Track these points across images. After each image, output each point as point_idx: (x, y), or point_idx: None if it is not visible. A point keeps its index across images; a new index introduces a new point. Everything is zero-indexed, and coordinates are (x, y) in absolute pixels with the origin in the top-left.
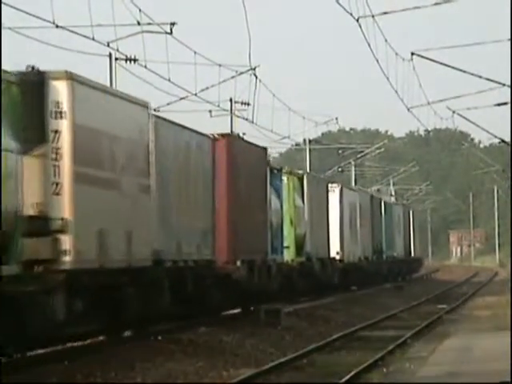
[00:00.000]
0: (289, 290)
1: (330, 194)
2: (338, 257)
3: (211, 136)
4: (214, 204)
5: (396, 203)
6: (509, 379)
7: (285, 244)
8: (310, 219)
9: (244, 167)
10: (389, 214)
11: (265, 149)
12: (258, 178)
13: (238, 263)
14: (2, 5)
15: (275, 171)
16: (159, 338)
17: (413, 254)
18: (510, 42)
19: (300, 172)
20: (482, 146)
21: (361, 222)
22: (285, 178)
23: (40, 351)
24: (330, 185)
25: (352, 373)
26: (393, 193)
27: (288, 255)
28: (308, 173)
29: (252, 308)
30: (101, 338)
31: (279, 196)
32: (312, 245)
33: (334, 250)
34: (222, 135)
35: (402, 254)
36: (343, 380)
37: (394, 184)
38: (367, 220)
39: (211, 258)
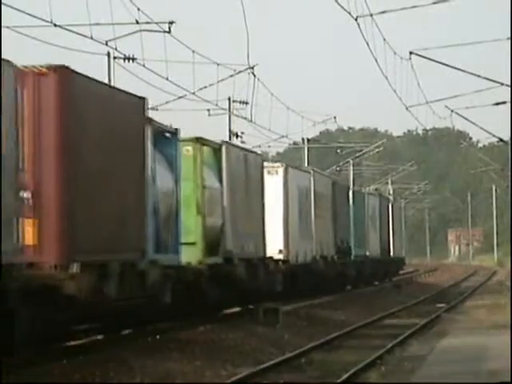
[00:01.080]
0: (188, 306)
1: (270, 177)
2: (280, 256)
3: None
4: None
5: (371, 193)
6: (508, 379)
7: (187, 239)
8: (232, 206)
9: (96, 118)
10: (359, 205)
11: (142, 99)
12: (128, 139)
13: (75, 268)
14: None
15: (168, 135)
16: (157, 337)
17: (392, 253)
18: (509, 42)
19: (217, 142)
20: (480, 145)
21: (317, 213)
22: (189, 148)
23: (38, 350)
24: (267, 164)
25: (350, 372)
26: (391, 192)
27: (192, 255)
28: (230, 143)
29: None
30: (99, 337)
31: (173, 170)
32: (235, 241)
33: (275, 247)
34: (52, 68)
35: (378, 254)
36: (341, 379)
37: (392, 183)
38: (327, 211)
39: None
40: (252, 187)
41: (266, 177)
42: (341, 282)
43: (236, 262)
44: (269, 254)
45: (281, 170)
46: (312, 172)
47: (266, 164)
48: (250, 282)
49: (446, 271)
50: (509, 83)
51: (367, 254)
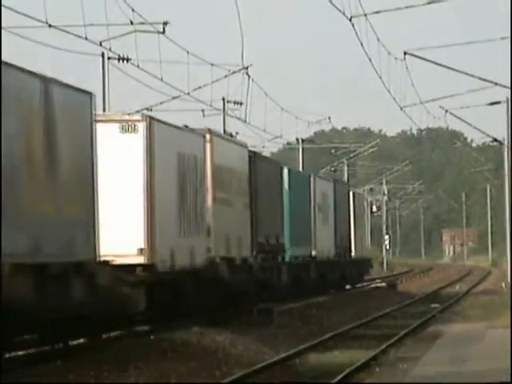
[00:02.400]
0: None
1: (122, 135)
2: (139, 260)
3: None
4: None
5: (321, 176)
6: (508, 379)
7: None
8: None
9: None
10: (301, 189)
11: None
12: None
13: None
14: None
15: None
16: (152, 337)
17: (354, 254)
18: (504, 42)
19: None
20: (474, 145)
21: (217, 196)
22: None
23: (32, 351)
24: (101, 117)
25: (344, 372)
26: (385, 192)
27: None
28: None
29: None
30: (94, 337)
31: None
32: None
33: (132, 245)
34: None
35: (332, 254)
36: (336, 379)
37: (386, 183)
38: (239, 194)
39: None
40: (81, 151)
41: (115, 135)
42: (262, 296)
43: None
44: (121, 255)
45: (141, 126)
46: (209, 136)
47: (108, 115)
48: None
49: (434, 274)
50: (503, 83)
51: (313, 254)
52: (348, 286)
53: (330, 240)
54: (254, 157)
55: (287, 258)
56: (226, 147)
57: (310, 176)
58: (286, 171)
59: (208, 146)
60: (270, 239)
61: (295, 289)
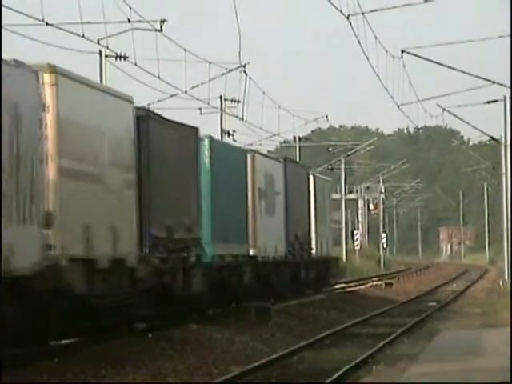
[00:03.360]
0: None
1: None
2: None
3: None
4: None
5: (264, 154)
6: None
7: None
8: None
9: None
10: (230, 169)
11: None
12: None
13: None
14: None
15: None
16: (149, 335)
17: (314, 252)
18: (502, 40)
19: None
20: (471, 143)
21: (64, 166)
22: None
23: (30, 349)
24: None
25: (342, 370)
26: (383, 190)
27: None
28: None
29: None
30: (91, 335)
31: None
32: None
33: None
34: None
35: (282, 252)
36: (333, 378)
37: (384, 181)
38: (113, 167)
39: None
40: None
41: None
42: (150, 315)
43: None
44: None
45: None
46: (49, 75)
47: None
48: None
49: (431, 272)
50: (501, 81)
51: (251, 253)
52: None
53: (277, 235)
54: (146, 117)
55: (206, 259)
56: (86, 96)
57: (246, 152)
58: (206, 142)
59: (49, 89)
60: (174, 232)
61: (217, 299)
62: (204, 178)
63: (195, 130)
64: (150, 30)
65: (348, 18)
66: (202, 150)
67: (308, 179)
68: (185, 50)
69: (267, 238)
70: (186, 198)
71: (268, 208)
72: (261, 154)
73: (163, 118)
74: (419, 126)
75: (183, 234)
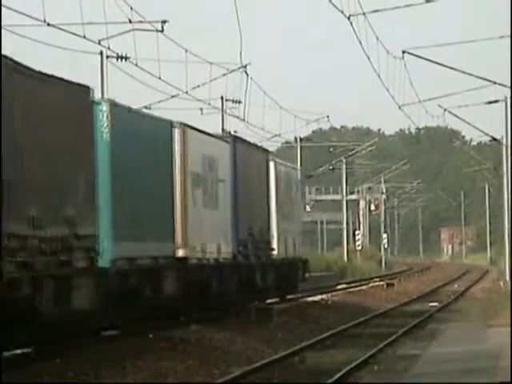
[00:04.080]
0: None
1: None
2: None
3: None
4: None
5: (199, 130)
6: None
7: None
8: None
9: None
10: (145, 145)
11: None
12: None
13: None
14: None
15: None
16: (150, 336)
17: (276, 250)
18: (502, 40)
19: None
20: (473, 143)
21: None
22: None
23: (32, 349)
24: None
25: (343, 371)
26: (384, 190)
27: None
28: None
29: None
30: (92, 336)
31: None
32: None
33: None
34: None
35: (229, 253)
36: (334, 378)
37: (385, 182)
38: None
39: None
40: None
41: None
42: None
43: None
44: None
45: None
46: None
47: None
48: None
49: (432, 273)
50: (502, 82)
51: (180, 254)
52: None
53: (221, 232)
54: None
55: (104, 263)
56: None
57: (171, 125)
58: (104, 107)
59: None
60: (45, 227)
61: (115, 320)
62: (101, 154)
63: (87, 89)
64: (151, 30)
65: (349, 18)
66: (98, 117)
67: (267, 165)
68: (186, 51)
69: (205, 235)
70: (66, 180)
71: (207, 198)
72: (197, 129)
73: (23, 66)
74: (420, 127)
75: (60, 230)
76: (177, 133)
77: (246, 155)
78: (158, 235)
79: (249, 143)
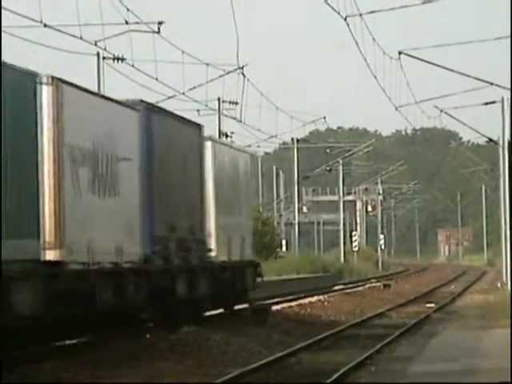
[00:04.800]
0: None
1: None
2: None
3: None
4: None
5: (93, 92)
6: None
7: None
8: None
9: None
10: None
11: None
12: None
13: None
14: None
15: None
16: (148, 336)
17: (215, 252)
18: (498, 42)
19: None
20: (469, 144)
21: None
22: None
23: (28, 350)
24: None
25: (340, 371)
26: (380, 191)
27: None
28: None
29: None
30: (89, 336)
31: None
32: None
33: None
34: None
35: (136, 254)
36: (331, 379)
37: (381, 183)
38: None
39: None
40: None
41: None
42: None
43: None
44: None
45: None
46: None
47: None
48: None
49: (429, 274)
50: (498, 83)
51: (49, 257)
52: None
53: (122, 227)
54: None
55: None
56: None
57: (36, 80)
58: None
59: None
60: None
61: None
62: None
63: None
64: (148, 31)
65: (346, 19)
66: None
67: (202, 145)
68: (182, 52)
69: (95, 231)
70: None
71: (99, 181)
72: (83, 88)
73: None
74: (417, 128)
75: None
76: (44, 91)
77: (166, 129)
78: (16, 231)
79: (173, 115)
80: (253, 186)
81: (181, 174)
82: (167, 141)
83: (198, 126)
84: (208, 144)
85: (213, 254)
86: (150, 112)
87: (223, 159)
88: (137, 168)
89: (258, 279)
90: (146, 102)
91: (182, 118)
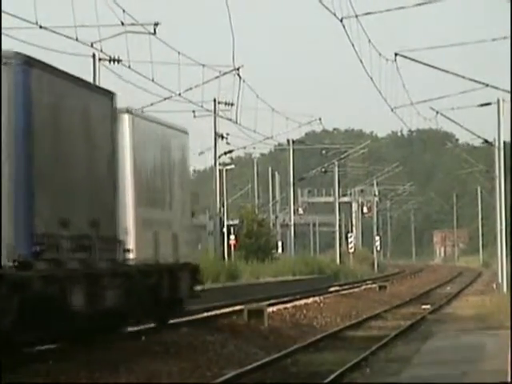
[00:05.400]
0: None
1: None
2: None
3: None
4: None
5: None
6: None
7: None
8: None
9: None
10: None
11: None
12: None
13: None
14: None
15: None
16: (143, 338)
17: (135, 253)
18: (494, 43)
19: None
20: (465, 145)
21: None
22: None
23: (24, 351)
24: None
25: (336, 373)
26: (376, 193)
27: None
28: None
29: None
30: (85, 338)
31: None
32: None
33: None
34: None
35: (7, 258)
36: (327, 380)
37: (377, 184)
38: None
39: None
40: None
41: None
42: None
43: None
44: None
45: None
46: None
47: None
48: None
49: (425, 275)
50: (494, 84)
51: None
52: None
53: None
54: None
55: None
56: None
57: None
58: None
59: None
60: None
61: None
62: None
63: None
64: (144, 33)
65: (341, 20)
66: None
67: (113, 117)
68: (178, 53)
69: None
70: None
71: None
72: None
73: None
74: (413, 129)
75: None
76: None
77: (56, 92)
78: None
79: (68, 76)
80: (189, 172)
81: (80, 151)
82: (56, 106)
83: (110, 95)
84: (125, 117)
85: (131, 255)
86: (30, 67)
87: (147, 137)
88: (4, 143)
89: (198, 287)
90: (26, 55)
91: (85, 82)
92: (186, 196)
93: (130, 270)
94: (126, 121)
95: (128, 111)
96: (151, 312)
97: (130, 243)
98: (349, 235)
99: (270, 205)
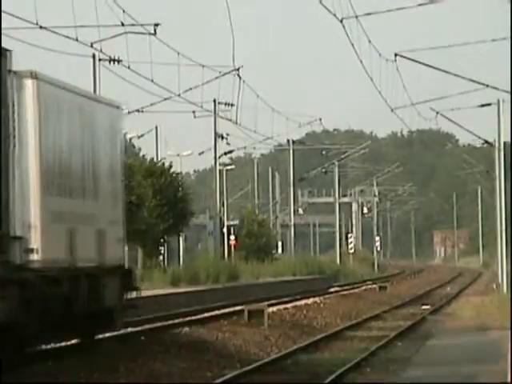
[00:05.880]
0: None
1: None
2: None
3: None
4: None
5: None
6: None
7: None
8: None
9: None
10: None
11: None
12: None
13: None
14: None
15: None
16: (142, 338)
17: (40, 253)
18: (493, 44)
19: None
20: (465, 146)
21: None
22: None
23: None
24: None
25: (336, 373)
26: (376, 193)
27: None
28: None
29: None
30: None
31: None
32: None
33: None
34: None
35: None
36: (327, 380)
37: (377, 185)
38: None
39: None
40: None
41: None
42: None
43: None
44: None
45: None
46: None
47: None
48: None
49: (425, 275)
50: (494, 85)
51: None
52: None
53: None
54: None
55: None
56: None
57: None
58: None
59: None
60: None
61: None
62: None
63: None
64: (144, 33)
65: (342, 21)
66: None
67: (5, 83)
68: (178, 54)
69: None
70: None
71: None
72: None
73: None
74: (413, 130)
75: None
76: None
77: None
78: None
79: None
80: (121, 155)
81: None
82: None
83: (5, 52)
84: (28, 83)
85: (35, 256)
86: None
87: (61, 109)
88: None
89: (133, 293)
90: None
91: None
92: (118, 184)
93: (30, 276)
94: (29, 87)
95: (32, 75)
96: (66, 327)
97: (34, 242)
98: (349, 236)
99: (270, 205)
